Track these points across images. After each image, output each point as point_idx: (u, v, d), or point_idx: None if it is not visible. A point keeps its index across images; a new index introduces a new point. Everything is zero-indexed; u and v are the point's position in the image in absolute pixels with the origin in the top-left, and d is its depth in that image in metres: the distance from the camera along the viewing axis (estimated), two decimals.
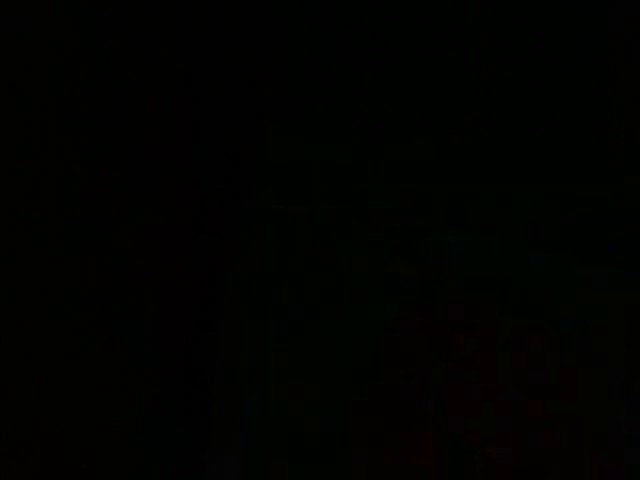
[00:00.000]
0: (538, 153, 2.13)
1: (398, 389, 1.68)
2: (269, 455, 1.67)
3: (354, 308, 1.81)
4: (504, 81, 2.10)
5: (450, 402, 1.70)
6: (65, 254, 1.07)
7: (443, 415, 1.69)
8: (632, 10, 1.94)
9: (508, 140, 2.14)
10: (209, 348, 1.86)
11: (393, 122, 2.17)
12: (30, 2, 0.94)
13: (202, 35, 1.95)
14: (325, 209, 2.11)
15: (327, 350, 1.83)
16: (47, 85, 1.01)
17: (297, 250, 2.03)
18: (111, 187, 1.27)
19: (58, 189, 1.04)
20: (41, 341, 0.99)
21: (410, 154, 2.16)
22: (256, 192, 2.15)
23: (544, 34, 2.02)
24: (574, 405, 1.71)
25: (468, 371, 1.76)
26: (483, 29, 2.03)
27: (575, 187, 2.09)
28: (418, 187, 2.12)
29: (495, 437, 1.68)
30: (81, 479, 1.13)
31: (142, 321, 1.44)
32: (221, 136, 2.20)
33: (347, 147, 2.17)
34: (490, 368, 1.77)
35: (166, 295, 1.63)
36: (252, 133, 2.20)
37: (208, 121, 2.06)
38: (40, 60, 0.99)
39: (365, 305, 1.82)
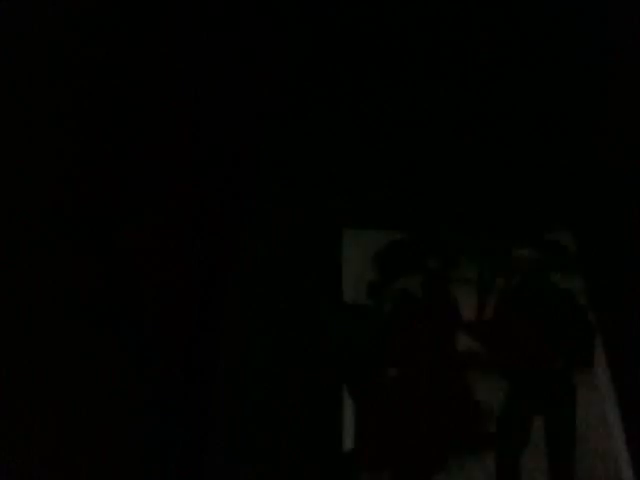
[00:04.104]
0: (538, 153, 2.14)
1: (398, 389, 1.68)
2: (269, 455, 1.67)
3: (354, 308, 1.81)
4: (504, 81, 2.10)
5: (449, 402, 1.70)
6: (65, 254, 1.07)
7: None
8: (632, 10, 1.94)
9: (508, 140, 2.15)
10: (209, 348, 1.86)
11: (393, 122, 2.17)
12: (30, 2, 0.95)
13: (202, 35, 1.95)
14: (325, 209, 2.11)
15: (327, 350, 1.83)
16: (47, 85, 1.01)
17: (297, 250, 2.04)
18: (111, 187, 1.27)
19: (58, 189, 1.05)
20: (41, 341, 0.99)
21: (410, 154, 2.16)
22: (256, 192, 2.15)
23: (544, 34, 2.03)
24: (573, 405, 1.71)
25: (468, 371, 1.76)
26: (483, 29, 2.03)
27: (574, 187, 2.10)
28: (418, 187, 2.12)
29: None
30: (81, 479, 1.13)
31: (142, 321, 1.45)
32: (221, 136, 2.20)
33: (347, 147, 2.18)
34: (489, 368, 1.78)
35: (166, 295, 1.63)
36: (252, 133, 2.20)
37: (208, 121, 2.06)
38: (40, 60, 0.99)
39: (365, 305, 1.82)
